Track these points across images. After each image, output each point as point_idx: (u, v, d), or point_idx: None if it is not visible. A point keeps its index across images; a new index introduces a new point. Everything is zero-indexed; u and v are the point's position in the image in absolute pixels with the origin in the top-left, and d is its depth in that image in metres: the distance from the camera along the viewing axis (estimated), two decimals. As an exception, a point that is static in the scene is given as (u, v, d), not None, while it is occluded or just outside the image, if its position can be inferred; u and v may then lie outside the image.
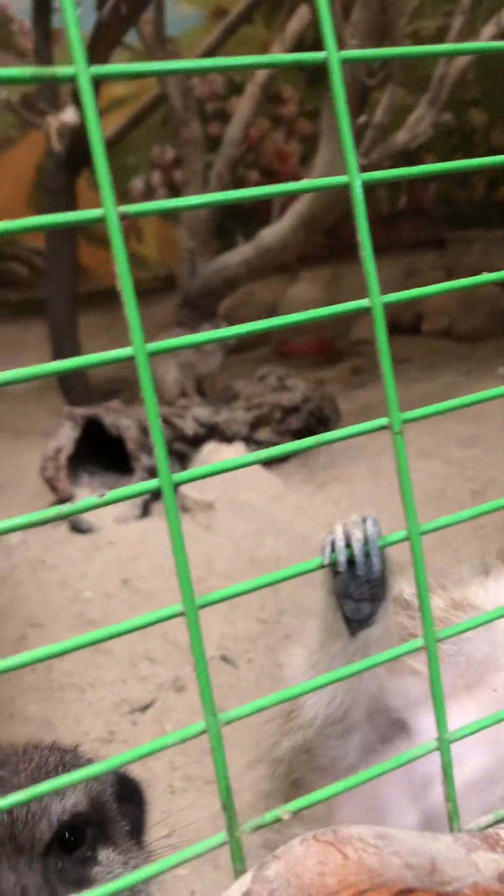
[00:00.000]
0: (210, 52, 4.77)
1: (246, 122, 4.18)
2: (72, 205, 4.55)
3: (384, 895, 0.48)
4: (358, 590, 0.75)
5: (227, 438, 3.78)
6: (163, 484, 0.50)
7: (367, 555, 0.69)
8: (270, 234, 3.73)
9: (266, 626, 2.43)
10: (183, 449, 3.69)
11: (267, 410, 3.96)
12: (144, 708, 2.16)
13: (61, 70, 0.49)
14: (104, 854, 0.83)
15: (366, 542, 0.68)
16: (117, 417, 3.62)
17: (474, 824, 0.58)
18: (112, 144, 5.02)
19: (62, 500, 3.45)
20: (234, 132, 4.17)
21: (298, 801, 0.54)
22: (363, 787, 0.92)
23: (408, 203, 6.71)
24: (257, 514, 3.33)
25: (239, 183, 6.18)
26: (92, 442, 3.58)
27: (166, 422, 3.72)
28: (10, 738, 2.14)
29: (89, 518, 3.34)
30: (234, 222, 5.92)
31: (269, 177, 6.30)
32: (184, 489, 3.54)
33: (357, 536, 0.69)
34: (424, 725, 0.93)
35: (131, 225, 6.18)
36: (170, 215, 6.06)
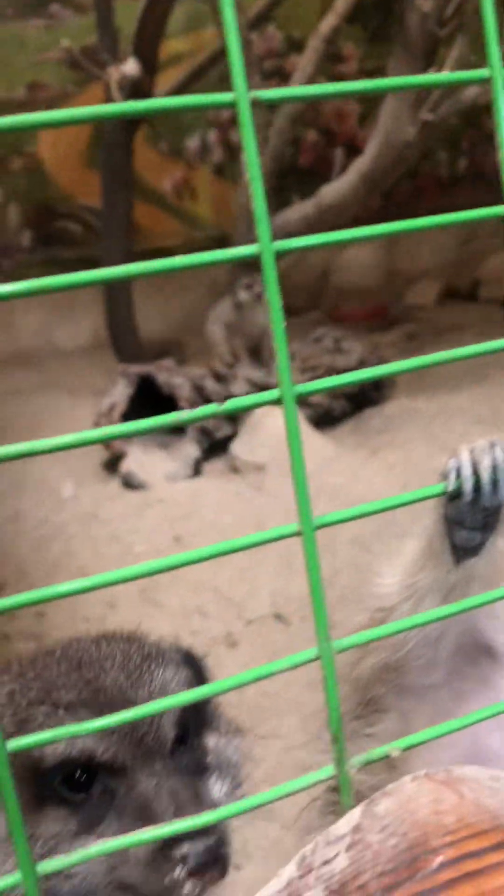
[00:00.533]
0: (271, 6, 4.67)
1: (308, 77, 4.08)
2: (129, 161, 4.51)
3: (506, 837, 0.45)
4: (473, 518, 0.72)
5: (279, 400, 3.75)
6: (284, 394, 0.47)
7: (494, 483, 0.65)
8: (331, 191, 3.65)
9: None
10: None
11: (322, 373, 3.91)
12: (197, 662, 2.16)
13: (220, 97, 0.45)
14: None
15: (494, 469, 0.64)
16: (170, 376, 3.61)
17: None
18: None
19: (115, 457, 3.46)
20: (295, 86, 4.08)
21: (408, 738, 0.51)
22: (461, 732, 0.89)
23: (468, 167, 6.53)
24: (309, 477, 3.29)
25: (296, 142, 6.07)
26: (144, 400, 3.57)
27: (217, 378, 3.70)
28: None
29: (140, 474, 3.34)
30: (290, 180, 5.82)
31: (328, 136, 6.17)
32: (236, 450, 3.53)
33: (486, 464, 0.65)
34: None
35: (185, 183, 6.12)
36: (224, 172, 5.98)
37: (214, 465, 3.58)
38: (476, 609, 0.85)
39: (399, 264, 6.31)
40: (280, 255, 0.47)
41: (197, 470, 3.47)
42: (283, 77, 5.90)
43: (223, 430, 3.63)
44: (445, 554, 0.77)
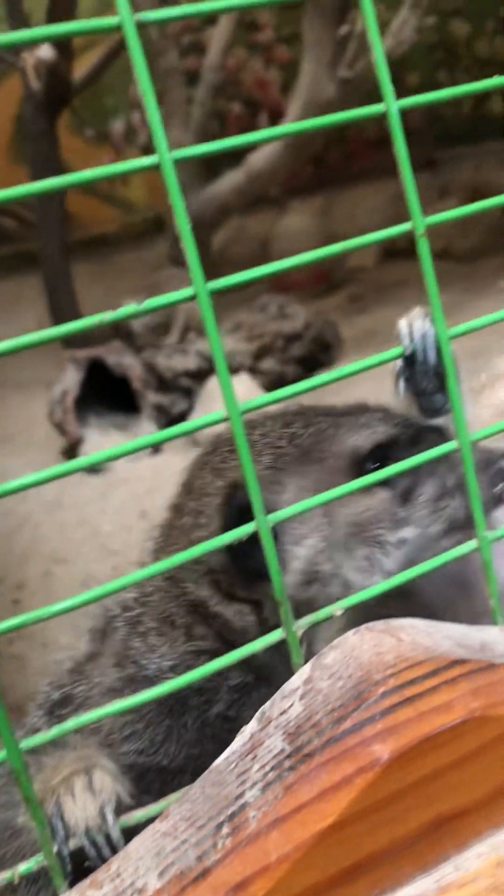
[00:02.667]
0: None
1: (223, 48, 4.09)
2: (55, 151, 4.48)
3: (440, 664, 0.50)
4: (430, 384, 0.77)
5: (232, 370, 3.78)
6: (231, 414, 0.50)
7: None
8: (259, 157, 3.67)
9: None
10: (188, 384, 3.69)
11: (269, 340, 3.95)
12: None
13: (106, 21, 0.48)
14: None
15: (424, 336, 0.70)
16: (120, 357, 3.62)
17: (517, 620, 0.60)
18: (87, 86, 4.92)
19: (72, 443, 3.47)
20: (213, 59, 4.09)
21: (349, 598, 0.56)
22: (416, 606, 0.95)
23: (394, 124, 6.57)
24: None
25: (221, 115, 6.07)
26: (97, 384, 3.58)
27: (170, 357, 3.72)
28: (43, 665, 2.19)
29: (102, 458, 3.36)
30: (218, 154, 5.82)
31: (252, 107, 6.17)
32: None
33: (418, 324, 0.71)
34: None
35: (116, 169, 6.08)
36: (152, 152, 5.95)
37: (174, 441, 3.60)
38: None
39: (336, 228, 6.35)
40: (213, 292, 0.50)
41: (157, 447, 3.50)
42: (201, 51, 5.88)
43: (179, 406, 3.66)
44: (417, 417, 0.83)
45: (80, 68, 4.82)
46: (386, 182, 6.35)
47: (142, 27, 0.49)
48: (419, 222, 0.53)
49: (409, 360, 0.77)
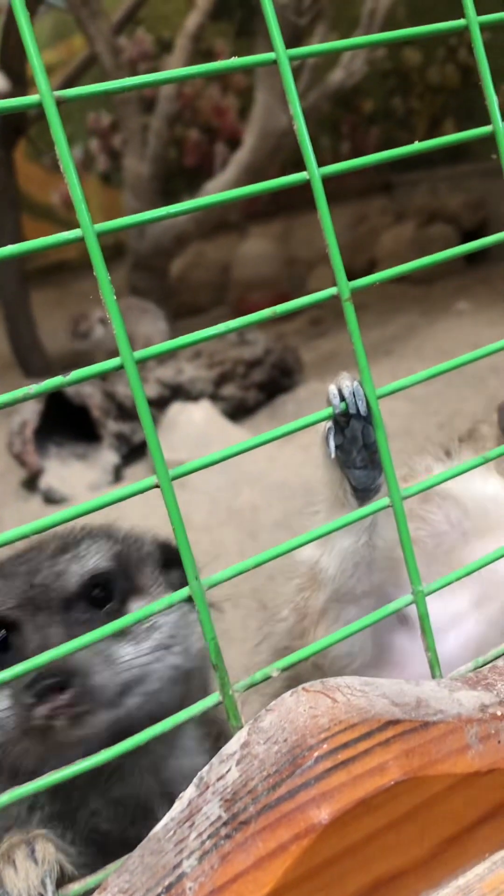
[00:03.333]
0: (134, 10, 4.69)
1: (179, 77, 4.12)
2: (12, 178, 4.48)
3: (373, 725, 0.50)
4: (361, 456, 0.78)
5: (193, 397, 3.79)
6: (161, 481, 0.51)
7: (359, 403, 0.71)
8: (215, 186, 3.70)
9: (249, 572, 2.46)
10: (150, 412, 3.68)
11: (230, 366, 3.96)
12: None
13: (28, 99, 0.49)
14: (135, 605, 0.86)
15: (354, 393, 0.71)
16: (79, 386, 3.60)
17: (455, 672, 0.61)
18: (44, 114, 4.92)
19: (32, 474, 3.44)
20: (169, 88, 4.12)
21: (287, 658, 0.56)
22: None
23: (351, 149, 6.68)
24: (230, 466, 3.35)
25: (179, 142, 6.11)
26: (56, 414, 3.56)
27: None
28: None
29: (62, 488, 3.34)
30: (177, 181, 5.86)
31: (209, 133, 6.23)
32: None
33: (346, 384, 0.72)
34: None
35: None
36: (111, 179, 5.98)
37: (135, 470, 3.59)
38: (384, 582, 0.91)
39: (296, 252, 6.42)
40: (140, 361, 0.51)
41: (118, 476, 3.48)
42: (158, 80, 5.93)
43: (140, 434, 3.65)
44: (348, 498, 0.83)
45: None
46: (344, 206, 6.44)
47: (61, 103, 0.49)
48: (344, 287, 0.54)
49: (338, 425, 0.78)
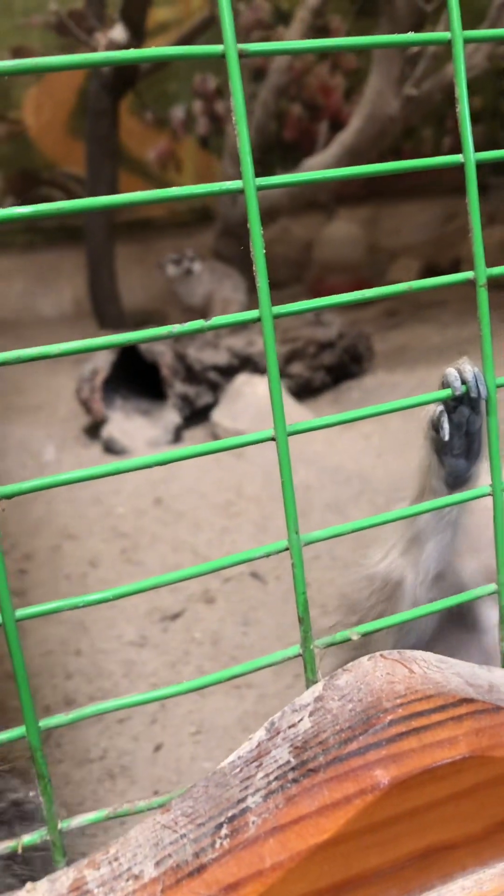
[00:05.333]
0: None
1: (294, 49, 4.10)
2: (115, 129, 4.52)
3: (448, 700, 0.52)
4: (459, 442, 0.78)
5: (261, 370, 3.80)
6: (263, 315, 0.52)
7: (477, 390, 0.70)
8: (314, 164, 3.68)
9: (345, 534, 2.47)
10: (216, 378, 3.72)
11: (301, 345, 3.97)
12: (175, 616, 2.23)
13: (209, 48, 0.50)
14: None
15: (476, 376, 0.70)
16: (153, 344, 3.64)
17: (525, 666, 0.62)
18: (158, 69, 4.94)
19: (96, 422, 3.51)
20: (281, 60, 4.09)
21: (367, 624, 0.58)
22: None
23: (452, 144, 6.57)
24: (289, 444, 3.36)
25: (281, 116, 6.08)
26: (127, 369, 3.61)
27: (201, 349, 3.74)
28: (46, 636, 2.23)
29: (122, 440, 3.39)
30: (275, 153, 5.84)
31: (312, 111, 6.19)
32: (217, 418, 3.58)
33: (468, 368, 0.71)
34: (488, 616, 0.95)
35: (170, 154, 6.11)
36: (209, 143, 5.98)
37: (195, 433, 3.63)
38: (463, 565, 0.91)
39: (381, 241, 6.36)
40: (276, 317, 0.52)
41: (178, 437, 3.53)
42: (269, 49, 5.90)
43: (204, 399, 3.69)
44: (440, 486, 0.83)
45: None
46: (435, 200, 6.35)
47: (243, 56, 0.51)
48: (481, 273, 0.55)
49: (449, 409, 0.77)
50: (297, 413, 3.65)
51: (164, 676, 2.06)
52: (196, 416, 3.68)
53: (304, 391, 3.95)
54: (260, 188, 0.53)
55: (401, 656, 0.56)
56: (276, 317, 0.53)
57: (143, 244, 5.64)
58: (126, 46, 3.52)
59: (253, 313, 0.53)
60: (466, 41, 0.54)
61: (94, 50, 3.53)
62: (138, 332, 0.51)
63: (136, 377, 3.62)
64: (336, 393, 4.07)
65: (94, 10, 3.66)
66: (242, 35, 4.61)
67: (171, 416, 3.52)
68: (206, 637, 2.15)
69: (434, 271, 6.18)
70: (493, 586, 0.61)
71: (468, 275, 0.56)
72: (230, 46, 0.49)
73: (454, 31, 0.54)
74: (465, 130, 0.53)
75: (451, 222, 6.39)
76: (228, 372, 3.74)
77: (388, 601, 0.94)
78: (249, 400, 3.68)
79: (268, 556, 0.55)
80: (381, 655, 0.56)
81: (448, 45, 0.56)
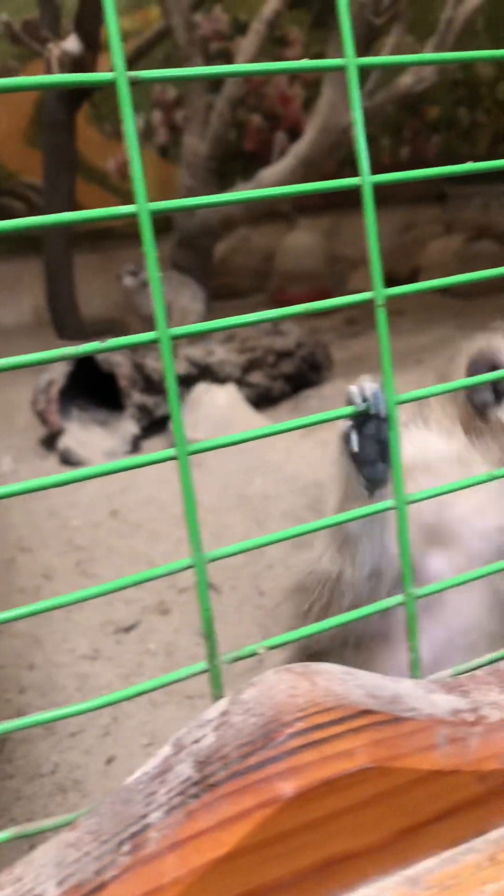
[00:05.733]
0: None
1: (250, 59, 4.13)
2: (72, 140, 4.50)
3: (348, 712, 0.53)
4: (373, 450, 0.81)
5: (220, 380, 3.81)
6: (179, 454, 0.53)
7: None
8: (270, 174, 3.71)
9: (250, 556, 2.49)
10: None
11: (260, 354, 3.98)
12: (129, 628, 2.23)
13: (100, 76, 0.51)
14: None
15: (375, 394, 0.74)
16: (109, 354, 3.64)
17: (433, 676, 0.63)
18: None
19: (52, 434, 3.49)
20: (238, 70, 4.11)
21: (275, 638, 0.59)
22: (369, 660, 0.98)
23: (411, 154, 6.65)
24: (247, 453, 3.37)
25: (240, 125, 6.11)
26: (84, 379, 3.60)
27: (159, 359, 3.74)
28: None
29: (79, 451, 3.38)
30: (234, 164, 5.86)
31: (272, 121, 6.23)
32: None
33: (368, 385, 0.75)
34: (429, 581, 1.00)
35: (129, 164, 6.10)
36: (169, 154, 5.99)
37: (153, 443, 3.63)
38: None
39: (341, 250, 6.41)
40: (175, 338, 0.53)
41: (136, 447, 3.52)
42: (228, 59, 5.93)
43: (163, 409, 3.68)
44: (359, 490, 0.87)
45: (107, 64, 4.85)
46: (394, 210, 6.42)
47: (134, 84, 0.52)
48: (380, 293, 0.56)
49: (356, 423, 0.81)
50: (255, 422, 3.67)
51: (118, 689, 2.05)
52: (154, 426, 3.68)
53: (264, 400, 3.97)
54: (153, 212, 0.54)
55: (305, 669, 0.57)
56: (175, 338, 0.54)
57: (102, 254, 5.63)
58: (80, 57, 3.52)
59: (150, 335, 0.54)
60: (359, 67, 0.56)
61: (48, 61, 3.53)
62: (40, 355, 0.52)
63: (93, 387, 3.61)
64: (295, 401, 4.09)
65: (48, 20, 3.66)
66: (201, 46, 4.63)
67: (128, 426, 3.52)
68: (160, 649, 2.15)
69: (393, 280, 6.23)
70: (401, 597, 0.62)
71: (367, 295, 0.58)
72: (120, 74, 0.50)
73: (348, 58, 0.55)
74: (361, 153, 0.55)
75: (409, 232, 6.47)
76: (187, 381, 3.74)
77: (332, 593, 0.98)
78: (209, 409, 3.69)
79: (171, 573, 0.55)
80: (287, 669, 0.57)
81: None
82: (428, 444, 1.02)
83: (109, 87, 0.53)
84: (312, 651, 1.04)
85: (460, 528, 0.99)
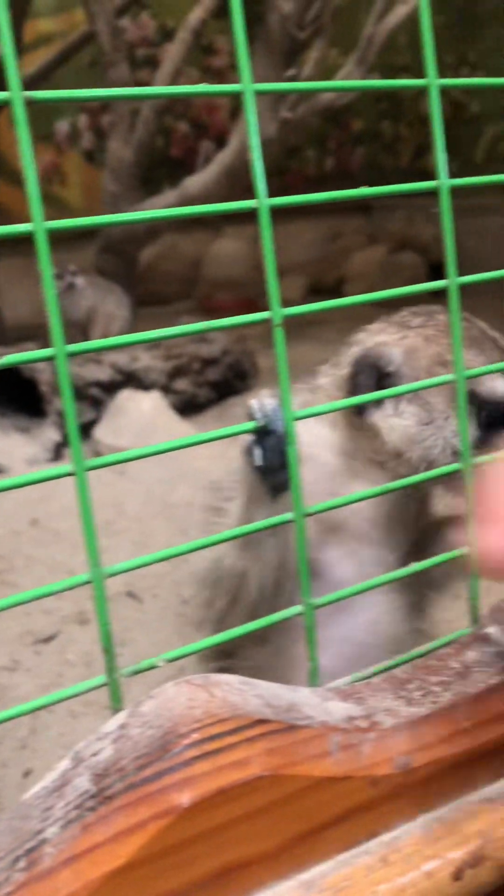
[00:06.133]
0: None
1: (175, 67, 4.14)
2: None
3: (243, 722, 0.54)
4: (274, 457, 0.83)
5: (145, 386, 3.80)
6: (76, 469, 0.53)
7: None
8: (195, 182, 3.72)
9: (172, 565, 2.49)
10: (98, 395, 3.69)
11: (186, 361, 3.99)
12: (48, 639, 2.20)
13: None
14: None
15: (274, 409, 0.76)
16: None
17: (332, 684, 0.65)
18: (37, 82, 4.88)
19: (-27, 441, 3.42)
20: (163, 77, 4.12)
21: (176, 651, 0.60)
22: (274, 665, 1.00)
23: (335, 165, 6.76)
24: (171, 461, 3.37)
25: (167, 132, 6.11)
26: (4, 384, 3.54)
27: (82, 365, 3.71)
28: None
29: (0, 459, 3.32)
30: (161, 170, 5.86)
31: (198, 129, 6.25)
32: (99, 435, 3.55)
33: (267, 402, 0.77)
34: (328, 570, 1.03)
35: (55, 168, 6.04)
36: (94, 158, 5.94)
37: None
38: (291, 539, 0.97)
39: (267, 258, 6.45)
40: (71, 355, 0.53)
41: (58, 454, 3.48)
42: (155, 66, 5.92)
43: (86, 415, 3.65)
44: (263, 495, 0.88)
45: (30, 66, 4.79)
46: (320, 220, 6.51)
47: (30, 104, 0.52)
48: (277, 313, 0.58)
49: (258, 437, 0.83)
50: (181, 429, 3.67)
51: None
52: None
53: (189, 407, 3.97)
54: (49, 231, 0.54)
55: (205, 681, 0.58)
56: (71, 355, 0.54)
57: (26, 258, 5.53)
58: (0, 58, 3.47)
59: (47, 351, 0.54)
60: (257, 93, 0.57)
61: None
62: None
63: (14, 394, 3.56)
64: (221, 409, 4.11)
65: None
66: (127, 51, 4.62)
67: (50, 433, 3.47)
68: (79, 659, 2.13)
69: (319, 289, 6.32)
70: (299, 607, 0.64)
71: (266, 315, 0.59)
72: (16, 93, 0.50)
73: (244, 83, 0.56)
74: (258, 176, 0.56)
75: (335, 242, 6.57)
76: (111, 388, 3.72)
77: (239, 590, 1.00)
78: (133, 416, 3.67)
79: (70, 588, 0.56)
80: (187, 681, 0.58)
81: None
82: (314, 433, 1.05)
83: (34, 88, 0.53)
84: (220, 648, 1.06)
85: (347, 514, 1.02)
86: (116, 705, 0.57)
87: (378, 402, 1.02)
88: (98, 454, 3.52)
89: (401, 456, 1.02)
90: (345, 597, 0.65)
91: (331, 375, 1.11)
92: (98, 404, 3.67)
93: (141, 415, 3.67)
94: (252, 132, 0.57)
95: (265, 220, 0.57)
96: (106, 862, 0.50)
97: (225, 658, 1.09)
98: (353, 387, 1.03)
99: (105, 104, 5.72)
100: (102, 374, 3.72)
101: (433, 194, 0.67)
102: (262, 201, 0.57)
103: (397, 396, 1.01)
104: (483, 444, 1.00)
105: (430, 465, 0.99)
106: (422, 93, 0.66)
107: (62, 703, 1.96)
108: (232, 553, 0.98)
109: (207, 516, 1.07)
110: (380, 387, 1.02)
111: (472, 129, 6.07)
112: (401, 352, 1.04)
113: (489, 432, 1.01)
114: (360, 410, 1.02)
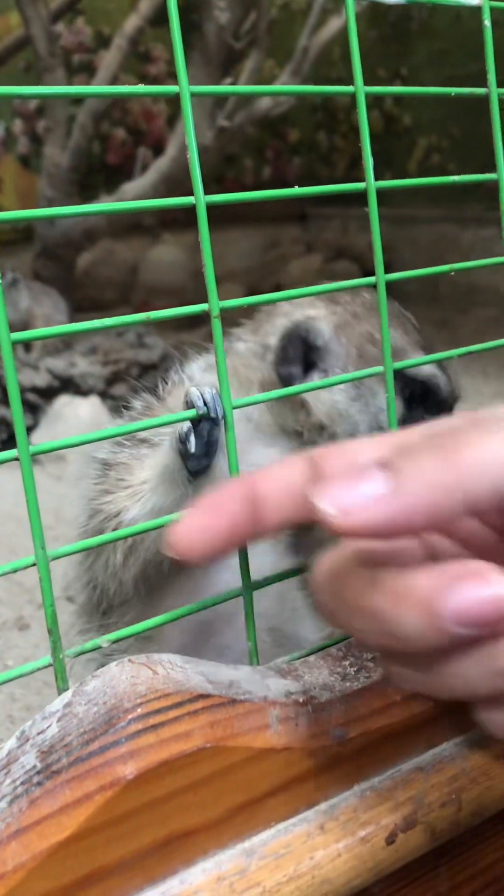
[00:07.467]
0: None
1: (112, 74, 4.14)
2: None
3: (185, 696, 0.56)
4: (200, 449, 0.86)
5: (83, 392, 3.78)
6: (21, 455, 0.55)
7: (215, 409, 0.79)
8: (132, 189, 3.73)
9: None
10: (35, 400, 3.66)
11: (124, 367, 3.98)
12: (-13, 645, 2.18)
13: None
14: None
15: (213, 398, 0.78)
16: (-32, 365, 3.54)
17: (272, 663, 0.68)
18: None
19: None
20: (100, 84, 4.12)
21: (118, 632, 0.62)
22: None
23: (272, 175, 6.83)
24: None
25: (104, 139, 6.10)
26: None
27: (19, 370, 3.67)
28: None
29: None
30: (98, 176, 5.84)
31: (136, 135, 6.24)
32: (37, 440, 3.52)
33: (207, 391, 0.79)
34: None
35: (-10, 173, 5.97)
36: (30, 163, 5.89)
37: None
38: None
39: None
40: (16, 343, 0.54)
41: (-5, 460, 3.43)
42: (91, 72, 5.91)
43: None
44: (182, 478, 0.91)
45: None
46: (257, 228, 6.57)
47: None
48: (214, 305, 0.60)
49: (194, 425, 0.86)
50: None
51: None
52: (14, 439, 3.60)
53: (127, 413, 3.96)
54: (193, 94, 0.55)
55: (148, 660, 0.60)
56: (16, 342, 0.56)
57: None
58: None
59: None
60: (193, 95, 0.60)
61: None
62: None
63: (-50, 400, 3.50)
64: (159, 414, 4.11)
65: None
66: (63, 57, 4.60)
67: (-12, 438, 3.43)
68: (18, 664, 2.11)
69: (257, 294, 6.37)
70: (238, 589, 0.66)
71: (203, 307, 0.62)
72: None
73: (182, 86, 0.59)
74: (195, 174, 0.59)
75: (272, 250, 6.63)
76: (48, 394, 3.69)
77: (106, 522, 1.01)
78: (71, 422, 3.65)
79: (15, 571, 0.57)
80: (129, 660, 0.60)
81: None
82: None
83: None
84: (97, 608, 1.09)
85: None
86: (63, 685, 0.59)
87: (306, 374, 1.05)
88: (35, 460, 3.49)
89: (324, 429, 1.04)
90: (281, 579, 0.68)
91: (249, 342, 1.12)
92: (35, 410, 3.64)
93: (79, 420, 3.65)
94: (189, 132, 0.59)
95: (202, 215, 0.60)
96: (53, 833, 0.52)
97: (102, 616, 1.11)
98: (281, 359, 1.05)
99: (41, 109, 5.69)
100: (40, 379, 3.69)
101: (368, 205, 0.70)
102: (200, 198, 0.60)
103: (326, 370, 1.04)
104: (408, 421, 1.04)
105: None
106: (355, 105, 0.69)
107: (6, 691, 1.94)
108: (118, 495, 1.01)
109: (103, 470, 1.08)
110: (307, 360, 1.05)
111: (404, 141, 6.21)
112: (331, 327, 1.06)
113: (413, 409, 1.05)
114: (286, 383, 1.05)
